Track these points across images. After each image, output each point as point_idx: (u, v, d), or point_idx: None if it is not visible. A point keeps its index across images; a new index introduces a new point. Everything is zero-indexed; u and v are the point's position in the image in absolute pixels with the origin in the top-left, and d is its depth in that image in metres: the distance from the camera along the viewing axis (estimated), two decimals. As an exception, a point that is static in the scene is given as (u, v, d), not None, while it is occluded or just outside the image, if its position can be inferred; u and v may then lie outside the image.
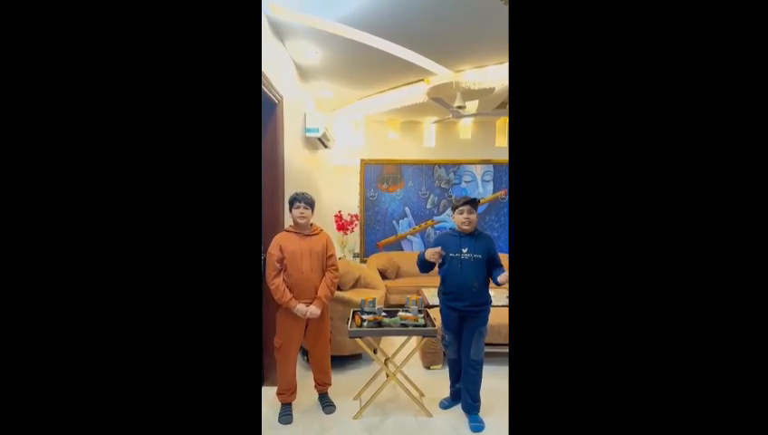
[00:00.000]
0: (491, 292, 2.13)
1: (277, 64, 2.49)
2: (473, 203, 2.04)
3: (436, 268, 2.14)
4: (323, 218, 4.35)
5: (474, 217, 2.04)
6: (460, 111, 3.31)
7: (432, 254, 2.02)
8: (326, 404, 2.20)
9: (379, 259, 4.52)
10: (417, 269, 2.21)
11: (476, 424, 2.03)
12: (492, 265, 2.06)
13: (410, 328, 2.12)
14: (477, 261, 2.02)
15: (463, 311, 2.04)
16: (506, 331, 2.68)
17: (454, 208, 2.08)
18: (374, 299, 2.31)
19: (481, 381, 2.08)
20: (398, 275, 4.47)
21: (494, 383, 2.40)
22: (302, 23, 2.32)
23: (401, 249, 4.88)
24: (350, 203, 4.85)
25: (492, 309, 2.09)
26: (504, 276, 1.96)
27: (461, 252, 2.04)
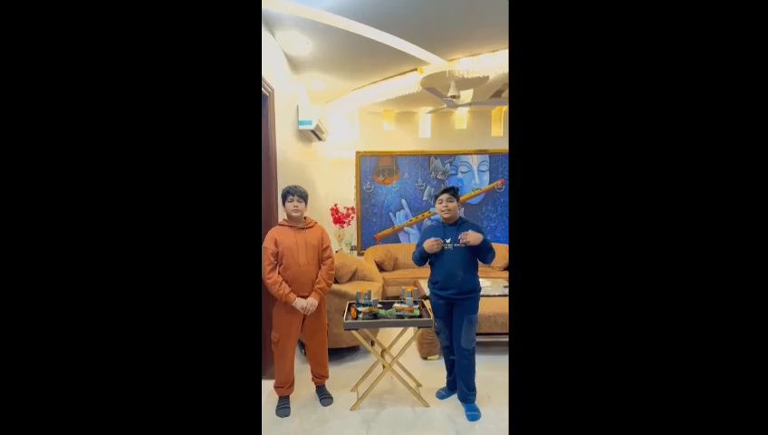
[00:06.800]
0: (486, 281, 2.12)
1: (267, 56, 2.45)
2: (450, 191, 2.07)
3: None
4: (319, 212, 4.34)
5: (453, 204, 2.06)
6: (454, 100, 3.29)
7: (431, 245, 2.02)
8: (323, 396, 2.21)
9: (376, 252, 4.52)
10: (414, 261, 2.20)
11: (473, 413, 2.04)
12: (479, 251, 2.03)
13: (406, 319, 2.12)
14: (461, 250, 2.02)
15: (450, 299, 2.06)
16: (502, 320, 2.69)
17: (435, 199, 2.12)
18: (369, 291, 2.31)
19: (475, 370, 2.09)
20: (395, 267, 4.47)
21: (491, 373, 2.41)
22: (292, 13, 2.28)
23: (398, 241, 4.88)
24: (347, 196, 4.84)
25: (488, 298, 2.09)
26: (468, 235, 1.96)
27: (444, 242, 2.05)
